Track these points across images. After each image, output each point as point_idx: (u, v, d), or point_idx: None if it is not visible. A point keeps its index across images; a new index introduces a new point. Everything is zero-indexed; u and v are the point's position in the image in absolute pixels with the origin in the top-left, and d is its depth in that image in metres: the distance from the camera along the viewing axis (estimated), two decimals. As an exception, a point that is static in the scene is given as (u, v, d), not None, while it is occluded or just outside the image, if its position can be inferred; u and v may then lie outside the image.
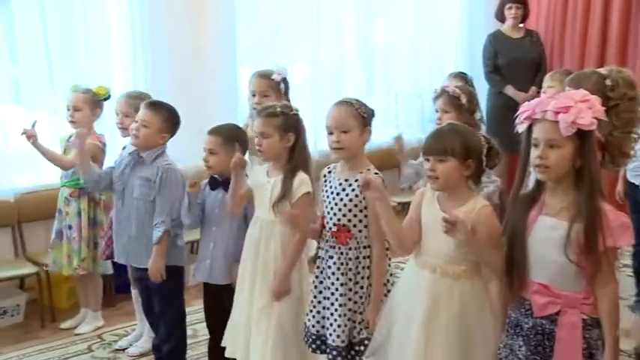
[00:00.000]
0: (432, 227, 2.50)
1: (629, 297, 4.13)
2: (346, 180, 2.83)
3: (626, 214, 2.23)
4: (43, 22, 4.42)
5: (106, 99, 4.03)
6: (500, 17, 5.99)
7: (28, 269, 4.24)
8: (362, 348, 2.81)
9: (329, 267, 2.86)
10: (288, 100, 3.63)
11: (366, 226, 2.82)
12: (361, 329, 2.81)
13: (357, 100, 2.83)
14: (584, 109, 2.13)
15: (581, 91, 2.21)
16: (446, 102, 3.59)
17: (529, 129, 2.22)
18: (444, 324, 2.44)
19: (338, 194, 2.84)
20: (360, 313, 2.83)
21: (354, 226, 2.82)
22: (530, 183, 2.31)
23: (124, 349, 3.91)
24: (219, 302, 3.27)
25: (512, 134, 2.29)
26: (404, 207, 2.71)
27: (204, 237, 3.30)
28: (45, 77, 4.47)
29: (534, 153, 2.19)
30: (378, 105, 6.06)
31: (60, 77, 4.47)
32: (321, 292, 2.91)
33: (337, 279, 2.84)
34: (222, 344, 3.13)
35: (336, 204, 2.84)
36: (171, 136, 3.43)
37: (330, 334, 2.85)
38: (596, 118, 2.15)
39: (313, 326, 2.93)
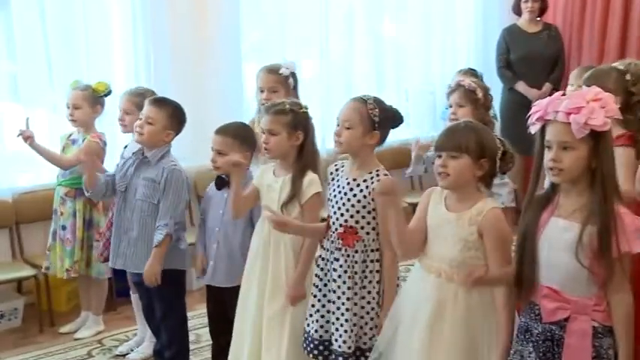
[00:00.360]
0: (437, 230, 2.51)
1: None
2: (354, 180, 2.83)
3: None
4: (42, 18, 4.44)
5: (106, 95, 4.05)
6: (517, 10, 5.98)
7: (26, 272, 4.26)
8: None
9: (334, 270, 2.86)
10: (297, 96, 3.64)
11: (374, 229, 2.81)
12: (373, 335, 2.80)
13: (375, 100, 2.80)
14: (596, 109, 2.11)
15: (594, 89, 2.18)
16: (461, 96, 3.62)
17: (543, 129, 2.21)
18: (449, 329, 2.45)
19: (345, 194, 2.84)
20: (372, 318, 2.82)
21: (362, 228, 2.82)
22: (546, 184, 2.30)
23: (124, 355, 3.93)
24: (222, 306, 3.28)
25: (526, 133, 2.29)
26: (414, 208, 2.71)
27: (208, 238, 3.31)
28: (44, 74, 4.49)
29: (547, 155, 2.18)
30: (388, 102, 6.05)
31: (59, 74, 4.49)
32: (325, 296, 2.91)
33: (344, 282, 2.83)
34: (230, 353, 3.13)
35: (343, 204, 2.84)
36: (177, 134, 3.44)
37: (336, 340, 2.85)
38: (609, 117, 2.13)
39: (316, 331, 2.92)
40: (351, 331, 2.82)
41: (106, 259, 3.81)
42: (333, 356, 2.87)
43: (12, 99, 4.54)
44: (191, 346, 3.69)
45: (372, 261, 2.83)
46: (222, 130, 3.24)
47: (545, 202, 2.25)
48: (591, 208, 2.14)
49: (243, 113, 4.68)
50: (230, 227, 3.24)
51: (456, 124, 2.59)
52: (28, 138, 3.86)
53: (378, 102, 2.80)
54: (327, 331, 2.90)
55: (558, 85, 5.76)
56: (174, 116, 3.40)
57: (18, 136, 3.86)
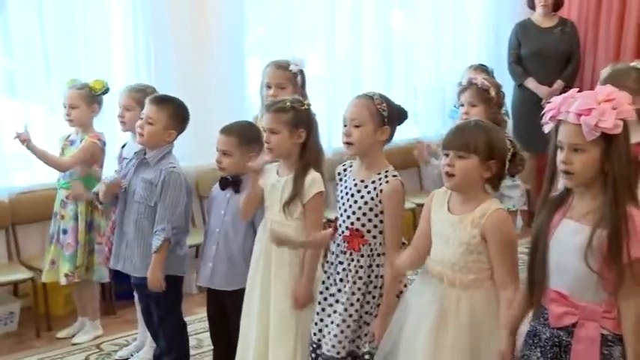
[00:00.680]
0: (440, 233, 2.52)
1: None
2: (362, 181, 2.83)
3: None
4: (39, 12, 4.44)
5: (103, 93, 4.06)
6: (531, 4, 5.99)
7: (23, 274, 4.27)
8: None
9: (337, 273, 2.88)
10: (305, 94, 3.64)
11: (381, 232, 2.82)
12: (371, 341, 2.82)
13: (381, 96, 2.82)
14: (607, 111, 2.09)
15: (607, 89, 2.15)
16: (474, 95, 3.61)
17: (557, 127, 2.20)
18: (452, 335, 2.45)
19: (352, 195, 2.84)
20: (367, 324, 2.84)
21: (369, 231, 2.82)
22: (560, 184, 2.30)
23: (124, 360, 3.95)
24: (222, 310, 3.29)
25: (539, 131, 2.28)
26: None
27: (208, 239, 3.32)
28: (41, 70, 4.50)
29: (559, 157, 2.17)
30: (396, 100, 6.03)
31: (57, 70, 4.49)
32: (326, 299, 2.93)
33: (345, 286, 2.85)
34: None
35: (350, 206, 2.84)
36: (180, 133, 3.44)
37: (326, 343, 2.87)
38: (622, 119, 2.10)
39: (315, 334, 2.95)
40: (346, 337, 2.83)
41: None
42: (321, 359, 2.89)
43: (8, 96, 4.54)
44: (192, 351, 3.70)
45: (377, 266, 2.84)
46: (227, 130, 3.24)
47: (558, 203, 2.25)
48: (603, 212, 2.12)
49: (246, 110, 4.69)
50: (231, 229, 3.25)
51: (466, 123, 2.60)
52: (24, 140, 3.86)
53: (383, 97, 2.83)
54: (321, 331, 2.92)
55: (571, 82, 5.75)
56: (176, 115, 3.40)
57: (15, 138, 3.87)
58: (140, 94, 3.68)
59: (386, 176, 2.80)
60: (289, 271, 3.03)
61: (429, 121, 5.99)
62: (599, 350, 2.15)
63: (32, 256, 4.43)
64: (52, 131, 4.37)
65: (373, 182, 2.80)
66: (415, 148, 3.77)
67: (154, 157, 3.38)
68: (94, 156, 4.02)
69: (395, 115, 2.83)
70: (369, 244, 2.82)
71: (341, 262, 2.87)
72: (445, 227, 2.50)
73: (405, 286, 2.85)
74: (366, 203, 2.80)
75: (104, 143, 4.06)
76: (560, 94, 2.23)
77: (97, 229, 4.07)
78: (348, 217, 2.84)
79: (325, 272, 2.95)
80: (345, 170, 2.94)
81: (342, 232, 2.87)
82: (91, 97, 4.01)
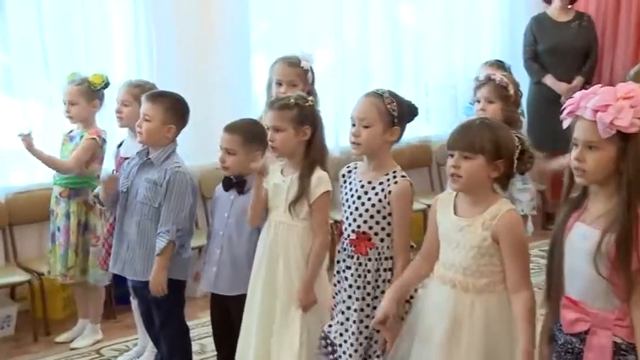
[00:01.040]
0: (448, 237, 2.52)
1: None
2: (369, 182, 2.84)
3: None
4: (37, 6, 4.46)
5: (103, 88, 4.07)
6: (547, -3, 5.98)
7: (20, 277, 4.29)
8: None
9: (345, 278, 2.88)
10: (314, 91, 3.65)
11: (389, 235, 2.82)
12: (375, 351, 2.83)
13: (391, 94, 2.81)
14: (625, 108, 2.07)
15: (628, 86, 2.13)
16: (491, 91, 3.62)
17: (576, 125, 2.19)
18: (466, 343, 2.46)
19: (359, 197, 2.84)
20: (378, 331, 2.83)
21: (376, 234, 2.82)
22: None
23: (124, 366, 3.97)
24: (226, 314, 3.30)
25: (555, 130, 2.28)
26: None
27: (211, 242, 3.33)
28: (39, 66, 4.52)
29: (573, 153, 2.17)
30: (407, 97, 6.02)
31: (56, 65, 4.51)
32: (337, 305, 2.94)
33: (354, 292, 2.85)
34: None
35: (356, 208, 2.84)
36: (181, 127, 3.44)
37: (345, 352, 2.88)
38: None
39: (335, 338, 2.94)
40: (360, 345, 2.84)
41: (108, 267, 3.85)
42: None
43: (5, 92, 4.56)
44: (195, 357, 3.72)
45: (385, 270, 2.84)
46: (232, 128, 3.25)
47: (575, 206, 2.24)
48: (615, 215, 2.11)
49: (252, 108, 4.70)
50: (235, 232, 3.25)
51: (471, 121, 2.60)
52: (27, 144, 3.89)
53: (394, 95, 2.82)
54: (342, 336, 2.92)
55: (590, 78, 5.75)
56: (173, 109, 3.39)
57: (18, 135, 3.88)
58: (138, 89, 3.70)
59: (394, 177, 2.80)
60: (296, 271, 3.04)
61: (440, 119, 6.00)
62: (612, 359, 2.14)
63: (30, 257, 4.45)
64: (51, 128, 4.39)
65: (381, 183, 2.81)
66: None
67: (159, 158, 3.38)
68: (93, 153, 4.04)
69: (405, 114, 2.83)
70: (377, 248, 2.83)
71: (349, 267, 2.87)
72: (454, 231, 2.50)
73: (416, 290, 2.85)
74: (373, 205, 2.81)
75: (104, 140, 4.07)
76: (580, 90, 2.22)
77: (92, 230, 4.08)
78: (355, 219, 2.85)
79: (335, 276, 2.95)
80: (349, 172, 2.94)
81: (348, 235, 2.87)
82: (90, 92, 4.03)
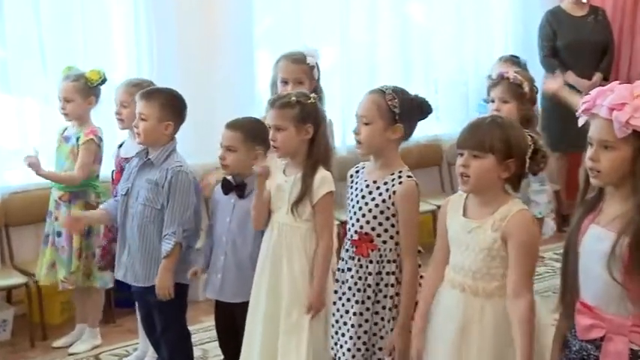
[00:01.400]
0: (458, 239, 2.52)
1: None
2: (374, 182, 2.84)
3: None
4: (34, 0, 4.47)
5: (100, 84, 4.08)
6: (561, -10, 5.97)
7: (16, 280, 4.30)
8: None
9: (346, 280, 2.89)
10: (320, 89, 3.65)
11: (392, 237, 2.82)
12: (381, 358, 2.82)
13: (394, 90, 2.81)
14: None
15: None
16: (506, 90, 3.61)
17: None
18: (476, 348, 2.46)
19: (363, 197, 2.85)
20: (382, 337, 2.85)
21: (378, 235, 2.83)
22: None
23: (124, 371, 3.98)
24: (232, 321, 3.30)
25: (571, 128, 2.28)
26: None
27: (215, 248, 3.32)
28: (36, 61, 4.54)
29: (587, 153, 2.16)
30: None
31: (53, 62, 4.52)
32: (338, 310, 2.94)
33: (353, 295, 2.86)
34: None
35: (360, 208, 2.85)
36: (180, 124, 3.43)
37: (339, 358, 2.89)
38: None
39: (332, 348, 2.96)
40: (358, 350, 2.84)
41: (104, 268, 3.85)
42: None
43: (1, 88, 4.57)
44: (197, 363, 3.72)
45: (387, 273, 2.84)
46: (233, 125, 3.26)
47: (590, 207, 2.23)
48: (630, 217, 2.10)
49: (255, 106, 4.72)
50: (239, 237, 3.25)
51: (481, 119, 2.59)
52: (33, 167, 3.90)
53: (398, 92, 2.81)
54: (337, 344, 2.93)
55: (608, 75, 5.74)
56: (168, 105, 3.39)
57: (24, 161, 3.91)
58: (137, 88, 3.67)
59: (399, 177, 2.81)
60: (300, 274, 3.04)
61: (450, 117, 5.99)
62: None
63: (26, 260, 4.45)
64: (48, 125, 4.40)
65: (385, 183, 2.81)
66: None
67: (159, 158, 3.37)
68: (95, 154, 4.04)
69: (413, 111, 2.82)
70: (379, 250, 2.83)
71: (349, 269, 2.88)
72: (463, 233, 2.50)
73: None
74: (376, 205, 2.81)
75: (100, 139, 4.09)
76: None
77: (97, 232, 4.08)
78: (358, 220, 2.85)
79: (337, 280, 2.96)
80: (357, 172, 2.95)
81: (351, 236, 2.88)
82: (87, 89, 4.04)
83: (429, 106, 2.88)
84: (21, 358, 4.15)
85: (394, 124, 2.78)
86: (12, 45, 4.52)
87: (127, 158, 3.74)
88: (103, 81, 4.08)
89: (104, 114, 4.18)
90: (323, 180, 3.02)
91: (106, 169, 4.10)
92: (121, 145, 3.93)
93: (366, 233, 2.83)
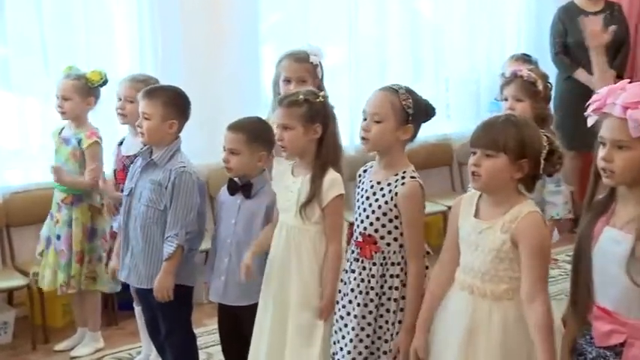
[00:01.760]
0: (468, 240, 2.52)
1: None
2: (378, 182, 2.84)
3: None
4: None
5: (101, 85, 4.09)
6: (575, -13, 5.95)
7: (17, 281, 4.31)
8: None
9: (349, 282, 2.89)
10: (323, 87, 3.65)
11: (396, 240, 2.82)
12: (394, 358, 2.82)
13: (407, 90, 2.82)
14: None
15: None
16: (519, 89, 3.61)
17: (602, 121, 2.18)
18: (483, 352, 2.46)
19: (368, 198, 2.85)
20: (386, 340, 2.85)
21: (382, 237, 2.83)
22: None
23: (127, 375, 4.00)
24: (236, 325, 3.31)
25: (584, 127, 2.27)
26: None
27: (219, 250, 3.33)
28: (38, 59, 4.56)
29: (600, 153, 2.16)
30: (426, 92, 6.01)
31: (55, 59, 4.53)
32: (339, 310, 2.95)
33: (355, 297, 2.86)
34: None
35: (364, 210, 2.85)
36: (183, 122, 3.43)
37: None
38: None
39: (331, 348, 2.96)
40: (358, 353, 2.84)
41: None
42: None
43: (3, 86, 4.59)
44: (202, 367, 3.73)
45: (391, 276, 2.84)
46: (235, 126, 3.25)
47: (602, 209, 2.23)
48: None
49: (261, 104, 4.72)
50: (243, 238, 3.24)
51: (496, 118, 2.59)
52: (58, 172, 3.93)
53: (410, 92, 2.82)
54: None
55: (622, 73, 5.72)
56: (172, 103, 3.39)
57: (51, 167, 3.95)
58: (143, 84, 3.68)
59: (403, 177, 2.80)
60: (311, 279, 3.04)
61: (461, 115, 5.99)
62: None
63: (28, 261, 4.45)
64: (49, 125, 4.40)
65: (389, 184, 2.81)
66: None
67: (163, 158, 3.37)
68: (95, 155, 4.04)
69: (421, 112, 2.83)
70: (382, 252, 2.83)
71: (353, 271, 2.89)
72: (474, 234, 2.51)
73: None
74: (380, 207, 2.81)
75: (101, 139, 4.09)
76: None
77: (102, 235, 4.10)
78: (362, 221, 2.86)
79: (342, 281, 2.97)
80: (364, 172, 2.95)
81: (356, 238, 2.89)
82: (87, 89, 4.05)
83: (434, 109, 2.88)
84: (22, 361, 4.17)
85: (405, 124, 2.78)
86: (13, 42, 4.53)
87: (129, 156, 3.76)
88: (104, 82, 4.09)
89: (103, 112, 4.19)
90: (332, 182, 3.01)
91: (107, 169, 4.10)
92: (121, 143, 3.94)
93: (370, 235, 2.84)
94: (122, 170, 3.80)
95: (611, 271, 2.16)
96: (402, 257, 2.83)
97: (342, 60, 5.48)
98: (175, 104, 3.40)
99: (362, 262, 2.86)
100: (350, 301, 2.88)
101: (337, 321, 2.94)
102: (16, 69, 4.56)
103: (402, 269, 2.83)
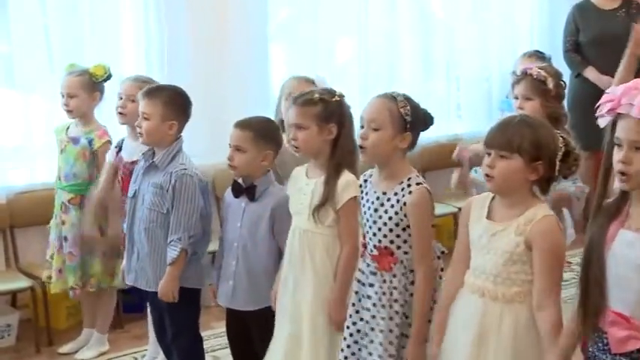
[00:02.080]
0: (480, 242, 2.52)
1: None
2: (384, 193, 2.82)
3: None
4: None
5: (105, 80, 4.09)
6: (591, -17, 5.94)
7: (21, 283, 4.32)
8: None
9: (368, 297, 2.87)
10: None
11: (412, 247, 2.80)
12: None
13: (405, 98, 2.81)
14: None
15: None
16: (528, 87, 3.60)
17: (614, 123, 2.16)
18: (493, 355, 2.46)
19: (376, 210, 2.83)
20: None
21: (399, 247, 2.81)
22: (615, 186, 2.27)
23: (132, 379, 4.01)
24: (244, 328, 3.31)
25: (598, 127, 2.26)
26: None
27: (226, 254, 3.32)
28: (43, 57, 4.56)
29: (616, 156, 2.14)
30: (437, 92, 6.06)
31: (59, 57, 4.54)
32: (355, 324, 2.91)
33: (378, 311, 2.84)
34: None
35: (374, 222, 2.83)
36: (184, 123, 3.43)
37: None
38: None
39: (346, 358, 2.93)
40: None
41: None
42: None
43: (7, 85, 4.61)
44: (209, 370, 3.74)
45: (412, 284, 2.82)
46: (243, 124, 3.24)
47: (614, 211, 2.21)
48: None
49: (270, 103, 4.70)
50: (249, 243, 3.24)
51: (510, 118, 2.58)
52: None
53: (408, 99, 2.81)
54: None
55: (637, 73, 5.70)
56: (172, 103, 3.39)
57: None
58: (146, 84, 3.67)
59: (409, 185, 2.78)
60: (325, 284, 3.02)
61: (472, 115, 6.00)
62: None
63: (32, 262, 4.47)
64: (54, 123, 4.40)
65: (396, 194, 2.79)
66: (456, 151, 3.75)
67: (163, 160, 3.37)
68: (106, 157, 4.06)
69: (419, 121, 2.82)
70: (402, 262, 2.81)
71: (372, 285, 2.86)
72: (486, 236, 2.50)
73: (435, 302, 2.84)
74: (390, 218, 2.79)
75: (111, 138, 4.09)
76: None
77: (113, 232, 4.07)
78: (374, 234, 2.84)
79: (356, 293, 2.93)
80: (365, 181, 2.93)
81: (371, 251, 2.87)
82: (92, 84, 4.05)
83: (432, 118, 2.87)
84: (26, 364, 4.19)
85: (404, 132, 2.77)
86: (17, 40, 4.54)
87: (133, 162, 3.71)
88: (109, 76, 4.09)
89: (104, 112, 4.19)
90: (347, 184, 2.98)
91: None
92: (119, 148, 3.91)
93: (385, 247, 2.82)
94: (129, 176, 3.73)
95: (627, 276, 2.15)
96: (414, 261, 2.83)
97: (351, 59, 5.47)
98: (176, 104, 3.40)
99: (381, 275, 2.83)
100: (373, 316, 2.85)
101: (362, 338, 2.90)
102: (20, 67, 4.57)
103: (415, 274, 2.82)
